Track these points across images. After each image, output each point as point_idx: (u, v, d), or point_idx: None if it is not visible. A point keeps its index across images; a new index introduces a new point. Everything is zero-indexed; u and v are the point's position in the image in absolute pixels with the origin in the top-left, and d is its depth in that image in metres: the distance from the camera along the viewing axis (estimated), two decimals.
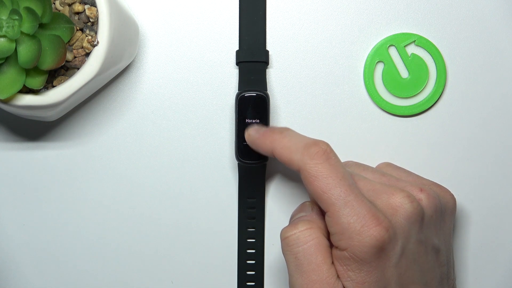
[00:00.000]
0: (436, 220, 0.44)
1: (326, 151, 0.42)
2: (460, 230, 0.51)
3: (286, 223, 0.51)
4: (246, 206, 0.51)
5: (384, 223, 0.41)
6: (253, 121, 0.48)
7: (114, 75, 0.49)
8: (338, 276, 0.41)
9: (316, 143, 0.42)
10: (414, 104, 0.50)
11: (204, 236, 0.51)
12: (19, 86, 0.42)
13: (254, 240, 0.51)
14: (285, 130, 0.45)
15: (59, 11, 0.44)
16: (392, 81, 0.50)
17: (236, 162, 0.50)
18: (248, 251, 0.51)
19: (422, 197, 0.43)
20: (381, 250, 0.40)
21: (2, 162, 0.51)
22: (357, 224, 0.40)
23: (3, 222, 0.51)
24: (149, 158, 0.51)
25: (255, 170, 0.50)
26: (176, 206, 0.51)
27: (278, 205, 0.51)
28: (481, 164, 0.51)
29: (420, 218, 0.42)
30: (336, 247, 0.42)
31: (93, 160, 0.51)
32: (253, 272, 0.51)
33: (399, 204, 0.42)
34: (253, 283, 0.51)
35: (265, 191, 0.51)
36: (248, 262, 0.51)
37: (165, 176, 0.51)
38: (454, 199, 0.47)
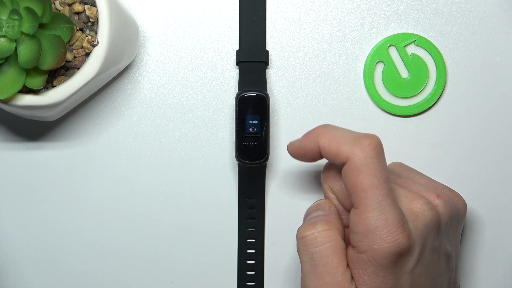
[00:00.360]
0: (451, 226, 0.44)
1: (378, 146, 0.41)
2: None
3: (286, 223, 0.51)
4: (246, 206, 0.51)
5: (407, 230, 0.40)
6: (253, 121, 0.48)
7: (114, 75, 0.49)
8: (352, 280, 0.41)
9: (368, 135, 0.41)
10: (414, 104, 0.50)
11: (204, 236, 0.51)
12: (19, 86, 0.42)
13: (254, 240, 0.51)
14: (328, 125, 0.43)
15: (59, 11, 0.44)
16: (392, 81, 0.50)
17: (236, 162, 0.50)
18: (248, 251, 0.51)
19: (438, 203, 0.43)
20: (399, 256, 0.40)
21: (2, 162, 0.51)
22: (384, 230, 0.40)
23: (3, 222, 0.51)
24: (149, 158, 0.51)
25: (255, 170, 0.50)
26: (176, 206, 0.51)
27: (278, 205, 0.51)
28: (481, 164, 0.51)
29: (437, 225, 0.42)
30: (354, 247, 0.41)
31: (93, 160, 0.51)
32: (253, 272, 0.51)
33: (420, 210, 0.42)
34: (253, 283, 0.51)
35: (265, 191, 0.51)
36: (248, 262, 0.51)
37: (165, 176, 0.51)
38: (466, 205, 0.46)
